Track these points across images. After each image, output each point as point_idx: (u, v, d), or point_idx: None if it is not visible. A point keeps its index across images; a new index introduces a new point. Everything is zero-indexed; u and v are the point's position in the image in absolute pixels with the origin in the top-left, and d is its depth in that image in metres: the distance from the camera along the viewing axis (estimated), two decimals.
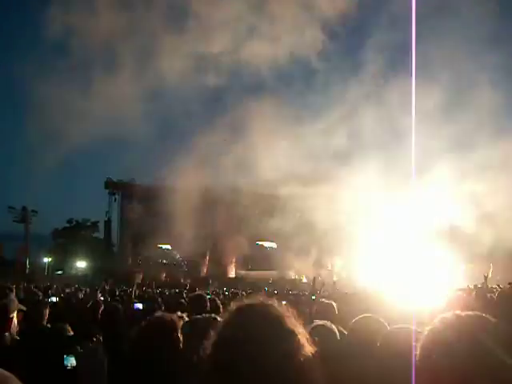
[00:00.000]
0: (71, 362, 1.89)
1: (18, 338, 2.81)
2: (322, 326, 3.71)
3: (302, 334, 1.33)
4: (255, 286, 31.13)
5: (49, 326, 3.50)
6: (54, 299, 8.31)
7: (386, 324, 3.21)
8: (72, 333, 3.35)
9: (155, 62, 40.21)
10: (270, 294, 19.98)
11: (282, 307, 1.39)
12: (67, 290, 18.21)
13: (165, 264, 41.57)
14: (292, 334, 1.29)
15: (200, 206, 38.70)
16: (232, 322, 1.32)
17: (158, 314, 3.12)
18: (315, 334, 3.42)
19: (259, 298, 1.40)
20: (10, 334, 2.84)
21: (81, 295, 13.86)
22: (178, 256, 41.89)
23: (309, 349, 1.31)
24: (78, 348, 1.88)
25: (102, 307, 5.81)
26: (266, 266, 41.98)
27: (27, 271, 41.61)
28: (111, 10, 36.36)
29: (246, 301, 1.39)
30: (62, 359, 1.89)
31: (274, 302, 1.41)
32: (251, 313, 1.32)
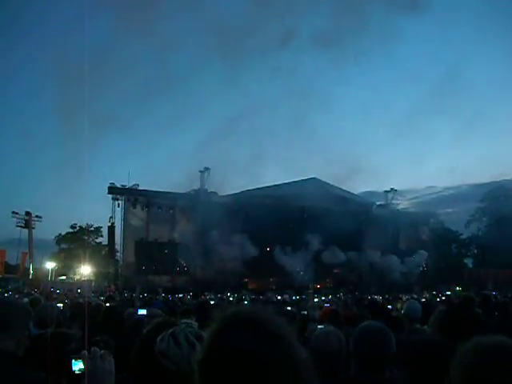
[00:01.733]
0: (79, 366, 1.91)
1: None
2: (326, 329, 3.76)
3: (291, 337, 1.33)
4: (258, 292, 31.19)
5: (57, 330, 3.53)
6: (59, 305, 8.31)
7: None
8: (79, 337, 3.39)
9: None
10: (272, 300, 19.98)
11: (269, 312, 1.38)
12: (71, 295, 18.25)
13: (168, 269, 41.55)
14: (278, 338, 1.30)
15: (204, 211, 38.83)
16: (216, 335, 1.30)
17: (161, 318, 3.15)
18: (320, 336, 3.46)
19: (244, 306, 1.40)
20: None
21: (84, 300, 13.86)
22: (182, 261, 41.89)
23: (300, 351, 1.32)
24: (86, 352, 1.89)
25: (106, 312, 5.81)
26: (271, 272, 41.99)
27: (31, 277, 41.68)
28: None
29: (231, 310, 1.39)
30: (70, 364, 1.90)
31: (261, 308, 1.40)
32: (235, 323, 1.30)
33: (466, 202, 66.18)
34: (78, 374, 1.86)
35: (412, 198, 79.44)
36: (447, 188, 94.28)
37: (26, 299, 11.65)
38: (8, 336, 2.84)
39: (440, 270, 47.15)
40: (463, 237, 60.44)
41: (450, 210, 71.20)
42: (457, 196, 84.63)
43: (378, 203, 52.84)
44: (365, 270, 44.31)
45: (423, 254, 47.05)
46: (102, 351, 1.89)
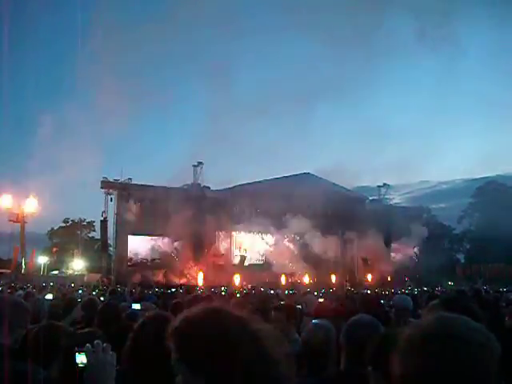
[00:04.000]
0: (82, 359, 1.92)
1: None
2: (315, 322, 3.79)
3: (247, 321, 1.37)
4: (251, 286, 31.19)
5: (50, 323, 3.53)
6: (49, 296, 8.29)
7: None
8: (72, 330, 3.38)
9: None
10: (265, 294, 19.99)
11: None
12: (63, 290, 18.21)
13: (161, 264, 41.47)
14: (235, 323, 1.33)
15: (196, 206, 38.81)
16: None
17: (153, 312, 3.16)
18: (308, 329, 3.49)
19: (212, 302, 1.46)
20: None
21: (77, 294, 13.85)
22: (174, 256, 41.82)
23: (262, 333, 1.35)
24: (89, 346, 1.90)
25: (99, 306, 5.79)
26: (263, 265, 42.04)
27: (23, 271, 41.51)
28: None
29: (196, 308, 1.44)
30: (73, 357, 1.91)
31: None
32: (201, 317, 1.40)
33: (459, 197, 66.63)
34: (81, 367, 1.87)
35: (405, 193, 79.95)
36: (441, 183, 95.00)
37: (20, 291, 11.66)
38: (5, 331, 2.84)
39: (432, 265, 47.34)
40: (456, 232, 60.70)
41: (443, 205, 71.74)
42: (450, 191, 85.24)
43: (370, 198, 52.97)
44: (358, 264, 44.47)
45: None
46: (105, 344, 1.90)
